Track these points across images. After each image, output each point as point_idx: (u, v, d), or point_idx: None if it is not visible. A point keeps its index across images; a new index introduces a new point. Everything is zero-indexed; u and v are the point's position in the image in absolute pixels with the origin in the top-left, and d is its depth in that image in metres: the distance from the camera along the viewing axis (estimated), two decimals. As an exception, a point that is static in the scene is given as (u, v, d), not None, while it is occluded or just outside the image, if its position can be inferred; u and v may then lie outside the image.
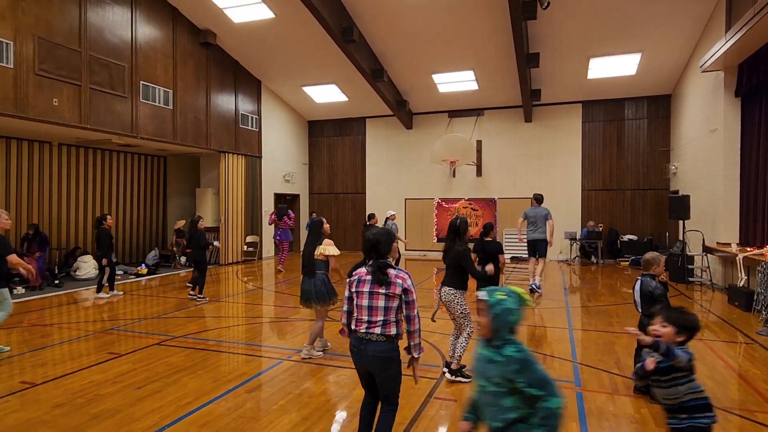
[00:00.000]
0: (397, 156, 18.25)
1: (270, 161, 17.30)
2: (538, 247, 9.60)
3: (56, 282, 11.24)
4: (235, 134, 15.67)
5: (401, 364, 3.26)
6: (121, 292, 10.04)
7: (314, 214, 17.42)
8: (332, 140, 19.50)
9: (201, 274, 9.40)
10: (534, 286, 9.60)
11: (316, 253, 5.54)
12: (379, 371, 3.18)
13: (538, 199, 9.65)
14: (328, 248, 5.59)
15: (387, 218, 11.74)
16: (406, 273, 3.26)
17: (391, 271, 3.24)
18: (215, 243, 10.61)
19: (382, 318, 3.24)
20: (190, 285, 10.34)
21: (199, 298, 9.44)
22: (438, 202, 17.64)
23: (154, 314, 8.67)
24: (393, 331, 3.23)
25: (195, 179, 16.73)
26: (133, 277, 12.64)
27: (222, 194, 15.12)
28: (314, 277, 5.58)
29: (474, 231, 15.97)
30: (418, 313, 3.27)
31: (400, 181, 18.15)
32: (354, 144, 19.20)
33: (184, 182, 16.90)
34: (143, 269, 13.23)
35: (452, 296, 5.16)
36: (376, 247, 3.33)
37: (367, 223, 10.68)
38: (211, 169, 16.10)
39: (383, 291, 3.24)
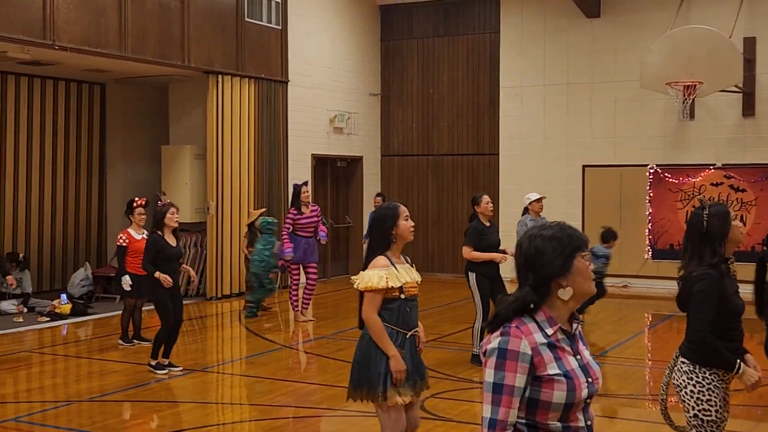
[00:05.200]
0: (567, 75, 16.67)
1: (305, 91, 16.34)
2: None
3: None
4: (237, 37, 14.90)
5: None
6: None
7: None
8: (429, 44, 18.07)
9: (162, 321, 8.92)
10: None
11: (355, 283, 4.99)
12: None
13: None
14: (368, 276, 4.83)
15: (526, 209, 10.69)
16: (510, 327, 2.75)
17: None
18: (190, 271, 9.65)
19: None
20: (144, 342, 10.27)
21: (162, 367, 8.99)
22: (655, 173, 15.89)
23: (85, 395, 8.24)
24: None
25: (160, 127, 16.15)
26: (45, 319, 12.22)
27: (211, 157, 14.43)
28: (361, 337, 5.11)
29: (745, 234, 14.07)
30: (491, 417, 2.72)
31: (572, 128, 16.67)
32: (475, 51, 17.64)
33: (139, 133, 16.35)
34: (64, 305, 12.54)
35: (685, 377, 4.47)
36: (534, 262, 2.74)
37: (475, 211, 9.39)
38: (191, 108, 15.40)
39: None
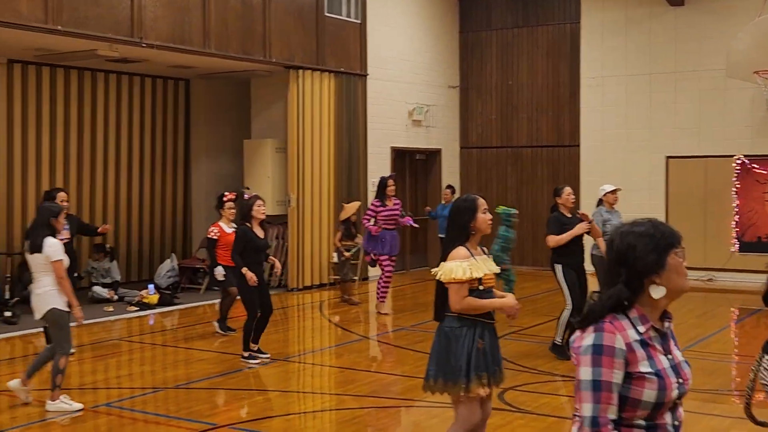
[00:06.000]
0: (650, 64, 16.49)
1: (384, 84, 16.47)
2: None
3: (6, 314, 11.44)
4: (317, 32, 15.05)
5: None
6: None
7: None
8: (508, 35, 18.04)
9: (248, 312, 9.03)
10: None
11: (437, 275, 5.01)
12: None
13: None
14: (451, 268, 4.82)
15: (600, 200, 10.67)
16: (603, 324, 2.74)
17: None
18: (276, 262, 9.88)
19: None
20: (222, 332, 10.42)
21: (254, 357, 9.09)
22: (742, 164, 15.64)
23: (171, 382, 8.46)
24: None
25: (242, 122, 16.36)
26: (134, 309, 12.64)
27: (292, 151, 14.57)
28: (439, 328, 5.11)
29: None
30: (592, 416, 2.65)
31: (655, 118, 16.44)
32: (555, 41, 17.65)
33: (222, 128, 16.58)
34: (151, 295, 12.94)
35: None
36: (626, 258, 2.69)
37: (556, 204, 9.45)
38: (272, 103, 15.55)
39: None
